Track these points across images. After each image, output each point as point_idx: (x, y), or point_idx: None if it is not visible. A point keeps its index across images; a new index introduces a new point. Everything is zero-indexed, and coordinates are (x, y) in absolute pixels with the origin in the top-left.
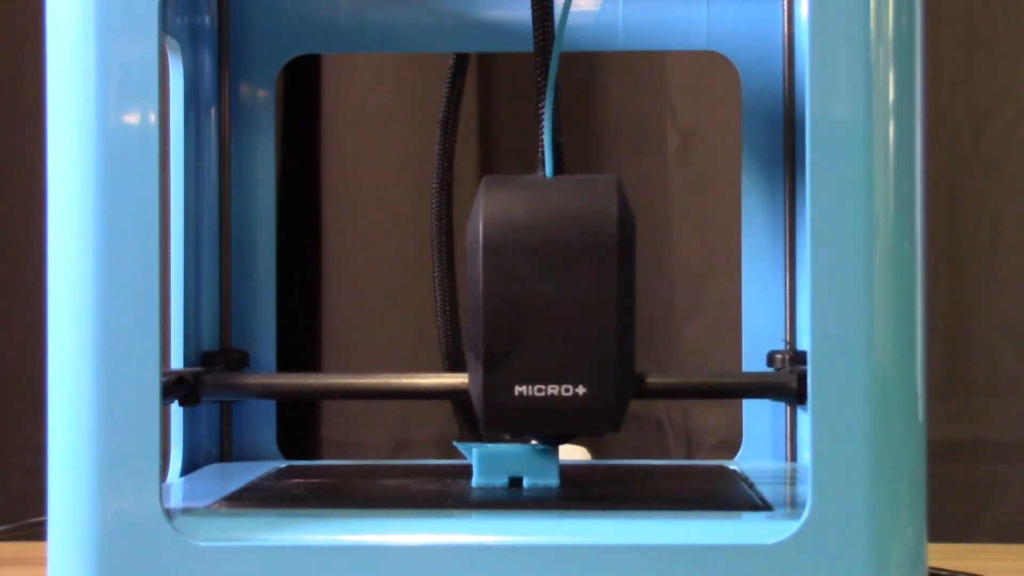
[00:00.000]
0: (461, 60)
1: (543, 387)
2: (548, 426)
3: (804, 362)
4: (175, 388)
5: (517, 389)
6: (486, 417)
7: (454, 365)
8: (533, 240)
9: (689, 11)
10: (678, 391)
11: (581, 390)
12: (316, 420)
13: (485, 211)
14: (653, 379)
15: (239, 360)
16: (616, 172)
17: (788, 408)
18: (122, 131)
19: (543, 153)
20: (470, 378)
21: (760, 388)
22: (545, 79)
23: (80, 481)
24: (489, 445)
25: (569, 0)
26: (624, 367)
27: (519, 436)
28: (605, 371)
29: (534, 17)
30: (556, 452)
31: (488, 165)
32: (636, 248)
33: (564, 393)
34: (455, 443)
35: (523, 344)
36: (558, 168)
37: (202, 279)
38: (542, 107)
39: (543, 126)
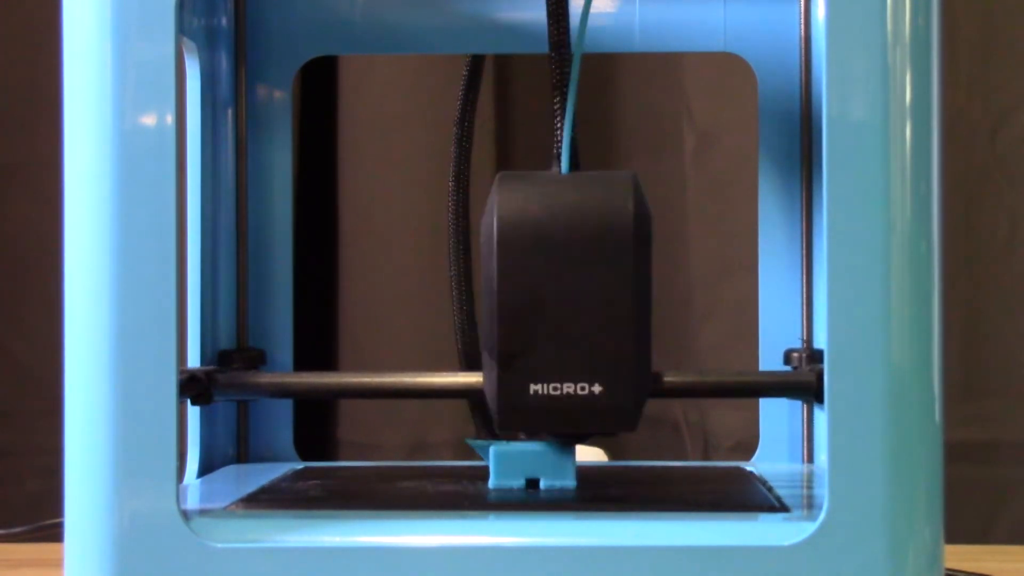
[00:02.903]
0: (476, 61)
1: (559, 385)
2: (564, 425)
3: (821, 360)
4: (187, 387)
5: (532, 388)
6: (501, 416)
7: (470, 365)
8: (548, 236)
9: (706, 12)
10: (696, 390)
11: (597, 388)
12: (333, 422)
13: (499, 207)
14: (670, 378)
15: (256, 359)
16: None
17: (805, 409)
18: (139, 132)
19: (559, 149)
20: (485, 376)
21: (779, 387)
22: (561, 75)
23: (97, 482)
24: (505, 444)
25: (589, 2)
26: (641, 365)
27: (534, 435)
28: (622, 369)
29: (549, 13)
30: (573, 453)
31: (505, 165)
32: (652, 245)
33: (580, 392)
34: (468, 440)
35: (538, 342)
36: (574, 164)
37: (219, 278)
38: (558, 103)
39: (560, 122)
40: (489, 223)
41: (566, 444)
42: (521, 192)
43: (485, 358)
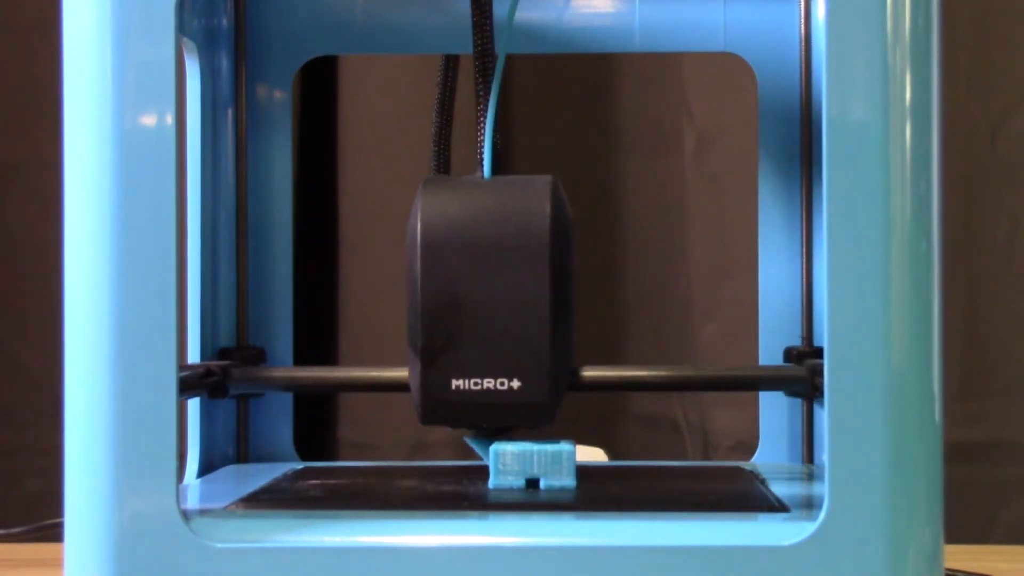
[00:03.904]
0: (451, 60)
1: (479, 381)
2: (484, 419)
3: (820, 356)
4: (202, 381)
5: (454, 383)
6: (423, 409)
7: None
8: (469, 239)
9: (706, 12)
10: (613, 384)
11: (516, 384)
12: (333, 421)
13: (423, 211)
14: (588, 372)
15: (256, 356)
16: (633, 173)
17: (804, 409)
18: (139, 132)
19: (481, 154)
20: (409, 372)
21: (729, 382)
22: (484, 82)
23: (97, 482)
24: (505, 443)
25: (515, 3)
26: (558, 361)
27: (456, 428)
28: (539, 366)
29: (473, 21)
30: (573, 453)
31: (504, 165)
32: (572, 246)
33: (500, 387)
34: (468, 440)
35: (460, 339)
36: (496, 169)
37: (219, 277)
38: (481, 109)
39: (482, 127)
40: (413, 225)
41: (489, 436)
42: (444, 196)
43: (410, 354)
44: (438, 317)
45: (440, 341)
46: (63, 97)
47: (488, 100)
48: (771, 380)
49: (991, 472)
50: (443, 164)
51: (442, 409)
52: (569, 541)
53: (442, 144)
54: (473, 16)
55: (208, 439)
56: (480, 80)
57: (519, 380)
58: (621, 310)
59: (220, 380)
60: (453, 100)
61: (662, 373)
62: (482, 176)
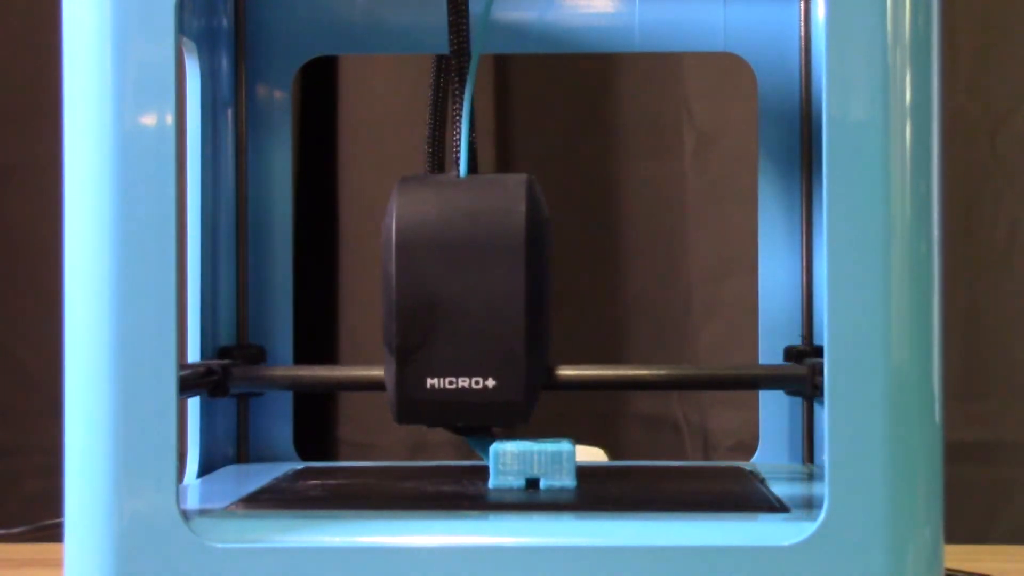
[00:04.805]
0: (444, 60)
1: (454, 380)
2: (459, 417)
3: (819, 355)
4: (202, 380)
5: (429, 381)
6: (398, 408)
7: None
8: (444, 238)
9: (706, 12)
10: (589, 383)
11: (491, 383)
12: (333, 421)
13: (398, 210)
14: (564, 371)
15: (256, 355)
16: (633, 173)
17: (804, 409)
18: (139, 132)
19: (457, 153)
20: (385, 371)
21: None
22: (460, 81)
23: (97, 482)
24: (505, 443)
25: (491, 3)
26: (533, 360)
27: (432, 426)
28: (514, 365)
29: (449, 21)
30: (573, 453)
31: (504, 165)
32: (549, 246)
33: (474, 386)
34: (468, 439)
35: (435, 338)
36: (472, 168)
37: (219, 277)
38: (457, 108)
39: (458, 127)
40: (388, 225)
41: (466, 435)
42: (419, 195)
43: (385, 353)
44: (413, 316)
45: (415, 340)
46: (63, 97)
47: (463, 100)
48: (771, 379)
49: (991, 472)
50: (437, 164)
51: (417, 408)
52: (569, 541)
53: (436, 145)
54: (449, 16)
55: (208, 439)
56: (457, 80)
57: (494, 379)
58: (621, 310)
59: (220, 379)
60: (448, 100)
61: (651, 372)
62: (458, 175)
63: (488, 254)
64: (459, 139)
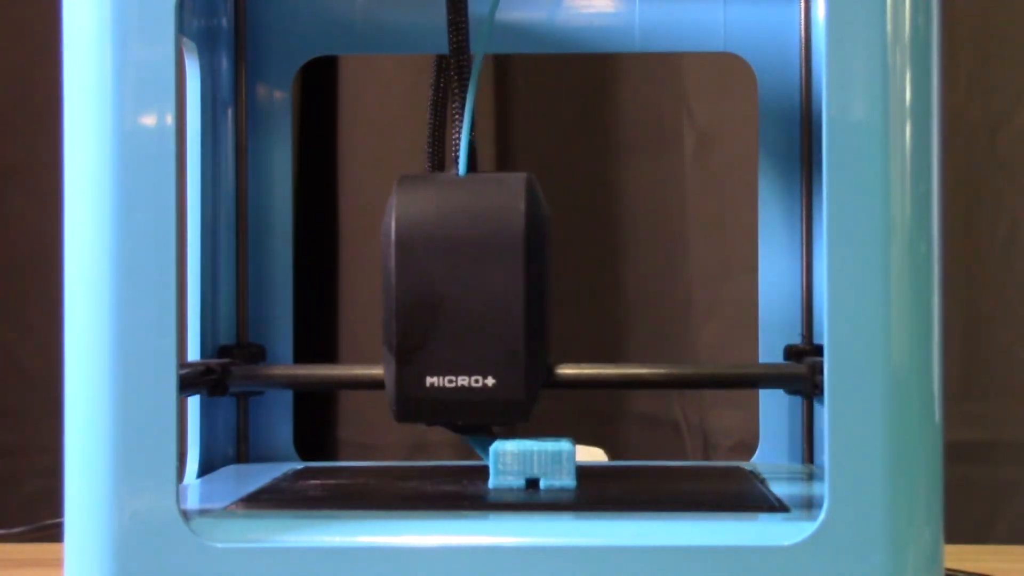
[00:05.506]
0: (444, 60)
1: (453, 378)
2: (458, 416)
3: (818, 354)
4: (202, 379)
5: (428, 380)
6: (398, 407)
7: None
8: (443, 236)
9: (706, 12)
10: (589, 382)
11: (490, 381)
12: (333, 421)
13: (397, 208)
14: (564, 370)
15: (256, 354)
16: (633, 173)
17: (804, 409)
18: (139, 133)
19: (457, 152)
20: (384, 369)
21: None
22: (459, 80)
23: (97, 482)
24: (504, 443)
25: (495, 4)
26: (533, 359)
27: (431, 425)
28: (513, 363)
29: (448, 20)
30: (573, 453)
31: (505, 165)
32: (548, 244)
33: (474, 384)
34: (468, 439)
35: (435, 337)
36: (472, 167)
37: (219, 277)
38: (456, 107)
39: (458, 124)
40: (388, 223)
41: (465, 434)
42: (419, 193)
43: (385, 351)
44: (413, 314)
45: (415, 339)
46: (63, 97)
47: (464, 99)
48: (771, 378)
49: (991, 472)
50: (437, 164)
51: (417, 407)
52: (569, 541)
53: (436, 144)
54: (448, 15)
55: (208, 439)
56: (456, 78)
57: (494, 378)
58: (621, 310)
59: (220, 378)
60: (448, 100)
61: (651, 371)
62: (457, 173)
63: (488, 253)
64: (459, 138)
